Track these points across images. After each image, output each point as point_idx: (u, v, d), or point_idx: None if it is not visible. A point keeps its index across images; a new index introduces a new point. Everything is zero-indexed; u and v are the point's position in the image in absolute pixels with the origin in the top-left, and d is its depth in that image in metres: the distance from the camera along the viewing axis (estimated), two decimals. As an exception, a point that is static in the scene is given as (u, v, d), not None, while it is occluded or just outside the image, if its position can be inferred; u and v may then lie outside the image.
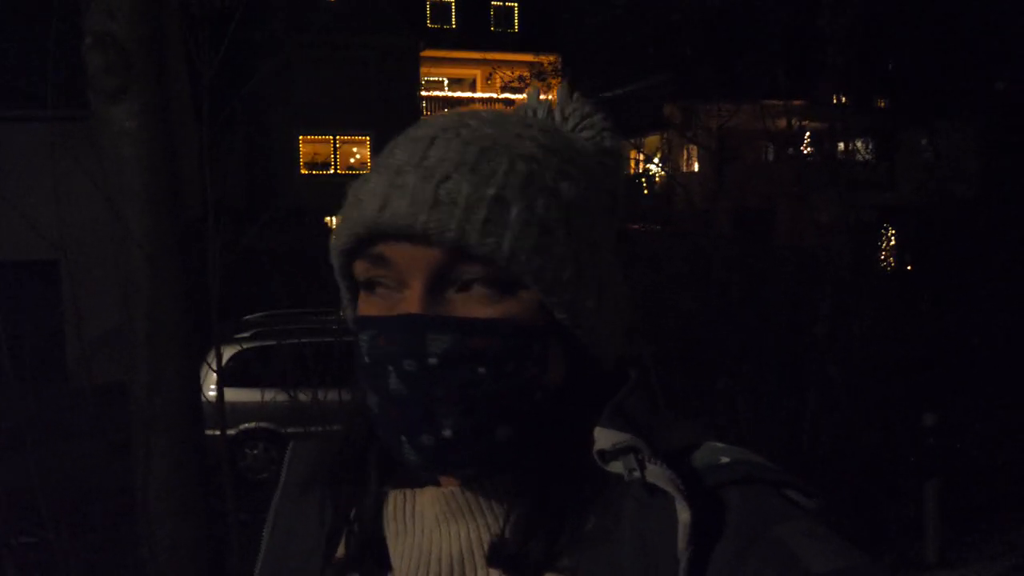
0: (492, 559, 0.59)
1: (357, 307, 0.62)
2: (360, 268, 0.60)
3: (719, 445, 0.60)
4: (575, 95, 0.70)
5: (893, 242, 10.64)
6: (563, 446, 0.60)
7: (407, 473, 0.64)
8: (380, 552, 0.64)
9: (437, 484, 0.63)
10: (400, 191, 0.56)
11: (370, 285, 0.60)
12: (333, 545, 0.68)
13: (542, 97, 0.73)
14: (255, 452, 7.13)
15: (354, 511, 0.66)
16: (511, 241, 0.55)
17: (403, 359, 0.56)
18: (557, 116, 0.69)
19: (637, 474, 0.55)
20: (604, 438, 0.57)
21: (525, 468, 0.59)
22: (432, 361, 0.55)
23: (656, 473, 0.54)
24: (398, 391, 0.56)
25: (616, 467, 0.56)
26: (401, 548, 0.62)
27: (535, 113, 0.70)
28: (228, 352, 5.95)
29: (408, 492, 0.63)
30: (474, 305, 0.56)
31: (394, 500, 0.63)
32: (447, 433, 0.56)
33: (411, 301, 0.56)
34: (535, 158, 0.58)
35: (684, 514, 0.52)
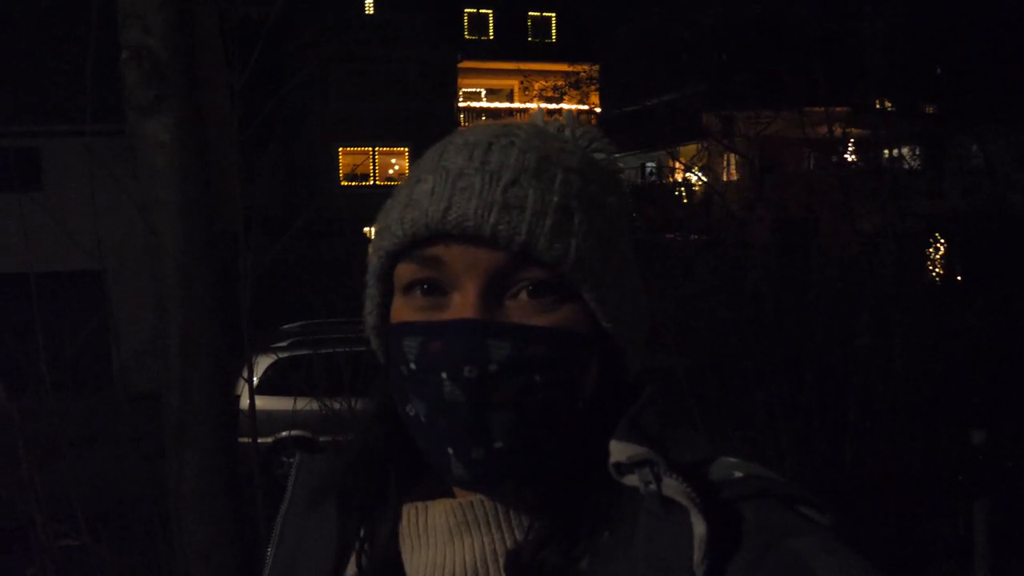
0: (508, 571, 0.58)
1: (389, 312, 0.62)
2: (406, 270, 0.59)
3: (732, 460, 0.59)
4: (579, 117, 0.73)
5: (942, 252, 10.36)
6: (583, 458, 0.59)
7: (423, 486, 0.64)
8: (396, 567, 0.63)
9: (451, 496, 0.62)
10: (465, 193, 0.56)
11: (411, 289, 0.59)
12: (343, 561, 0.66)
13: (578, 107, 0.74)
14: (290, 460, 7.22)
15: (367, 526, 0.65)
16: (576, 248, 0.56)
17: (463, 365, 0.55)
18: (568, 135, 0.68)
19: (653, 487, 0.55)
20: (620, 451, 0.57)
21: (544, 480, 0.59)
22: (493, 368, 0.55)
23: (672, 486, 0.54)
24: (453, 399, 0.56)
25: (632, 480, 0.56)
26: (416, 562, 0.62)
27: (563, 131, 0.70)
28: (265, 361, 6.06)
29: (420, 505, 0.62)
30: (528, 312, 0.57)
31: (407, 514, 0.63)
32: (499, 444, 0.56)
33: (464, 306, 0.56)
34: (583, 172, 0.60)
35: (700, 527, 0.52)
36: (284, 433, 6.96)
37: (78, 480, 2.66)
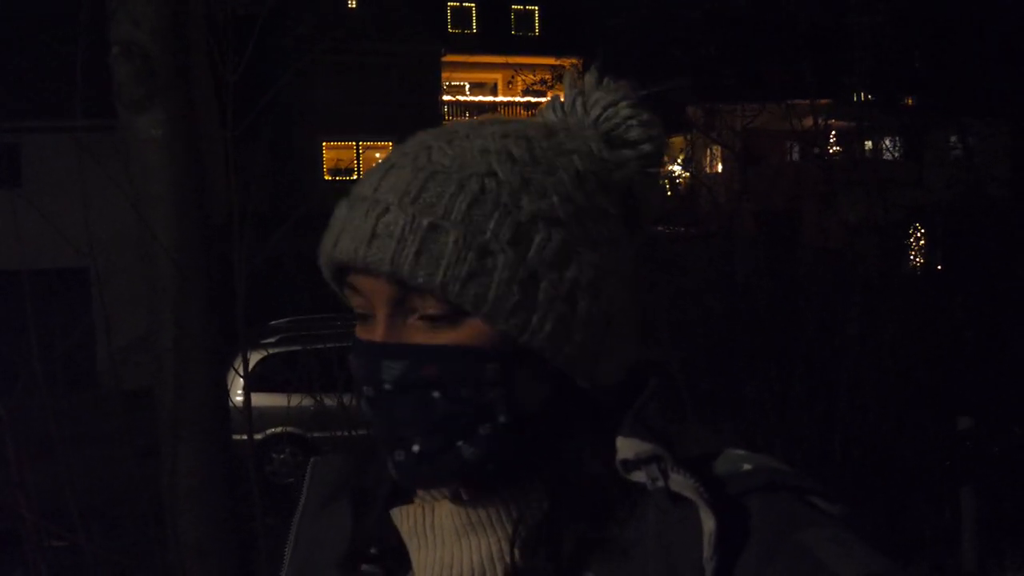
0: (512, 571, 0.58)
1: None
2: (347, 295, 0.62)
3: (740, 452, 0.59)
4: (604, 82, 0.67)
5: (923, 242, 10.46)
6: (562, 461, 0.59)
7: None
8: (402, 558, 0.64)
9: (458, 496, 0.62)
10: (351, 225, 0.58)
11: (355, 310, 0.62)
12: (357, 556, 0.67)
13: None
14: (281, 457, 7.19)
15: (381, 521, 0.66)
16: (444, 271, 0.54)
17: (363, 384, 0.59)
18: (579, 107, 0.66)
19: (661, 483, 0.55)
20: (627, 447, 0.57)
21: (530, 484, 0.59)
22: (387, 387, 0.57)
23: (680, 482, 0.54)
24: (367, 412, 0.59)
25: (639, 476, 0.56)
26: (423, 560, 0.62)
27: (562, 108, 0.67)
28: (255, 358, 6.01)
29: (427, 505, 0.63)
30: (430, 332, 0.57)
31: (414, 513, 0.63)
32: (415, 448, 0.57)
33: (375, 329, 0.59)
34: (493, 174, 0.57)
35: (709, 522, 0.52)
36: (273, 430, 6.92)
37: (69, 478, 2.63)
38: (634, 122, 0.64)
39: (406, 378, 0.57)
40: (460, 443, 0.57)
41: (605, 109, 0.65)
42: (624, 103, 0.65)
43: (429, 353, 0.57)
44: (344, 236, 0.58)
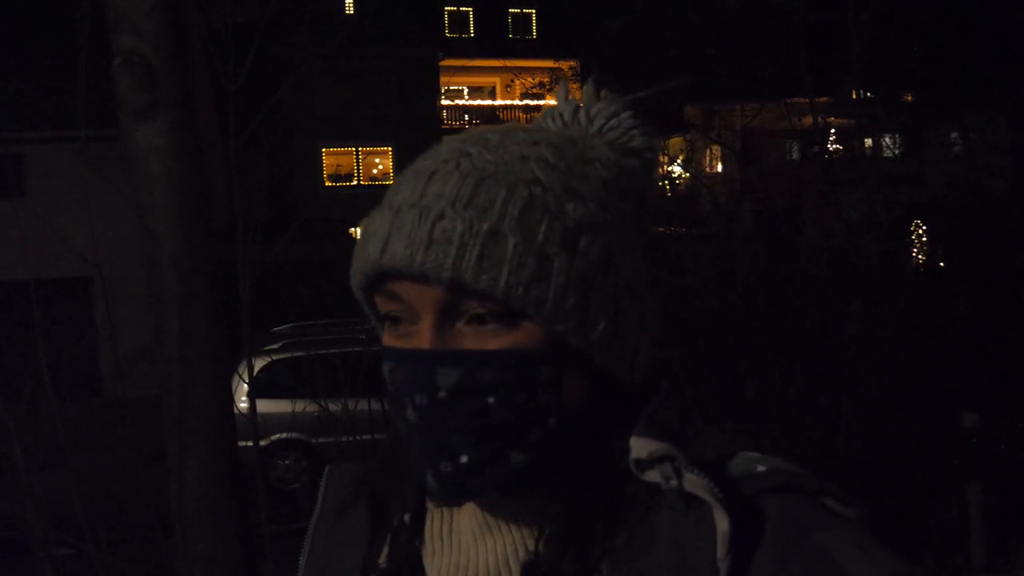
0: (527, 573, 0.58)
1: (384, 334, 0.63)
2: (379, 302, 0.61)
3: (754, 454, 0.59)
4: (603, 93, 0.68)
5: (924, 239, 10.45)
6: (593, 460, 0.59)
7: None
8: (416, 567, 0.64)
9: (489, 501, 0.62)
10: (399, 232, 0.57)
11: (389, 317, 0.61)
12: (372, 561, 0.67)
13: (552, 103, 0.71)
14: (286, 463, 7.19)
15: (397, 527, 0.66)
16: (507, 276, 0.55)
17: (415, 393, 0.57)
18: (582, 118, 0.67)
19: (674, 483, 0.54)
20: (640, 447, 0.57)
21: (557, 483, 0.59)
22: (442, 395, 0.56)
23: (693, 481, 0.54)
24: (415, 423, 0.57)
25: (652, 476, 0.56)
26: (438, 565, 0.62)
27: (562, 117, 0.68)
28: (258, 364, 6.00)
29: (444, 509, 0.63)
30: (483, 337, 0.57)
31: (431, 518, 0.64)
32: (464, 459, 0.56)
33: (421, 336, 0.57)
34: (538, 181, 0.58)
35: (723, 522, 0.52)
36: (278, 436, 6.93)
37: (77, 486, 2.64)
38: (636, 132, 0.66)
39: (462, 385, 0.56)
40: (510, 450, 0.57)
41: (608, 120, 0.66)
42: (626, 114, 0.66)
43: (485, 358, 0.56)
44: (394, 243, 0.56)
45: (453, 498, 0.60)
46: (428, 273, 0.55)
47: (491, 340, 0.56)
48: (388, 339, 0.61)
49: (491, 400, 0.56)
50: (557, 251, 0.56)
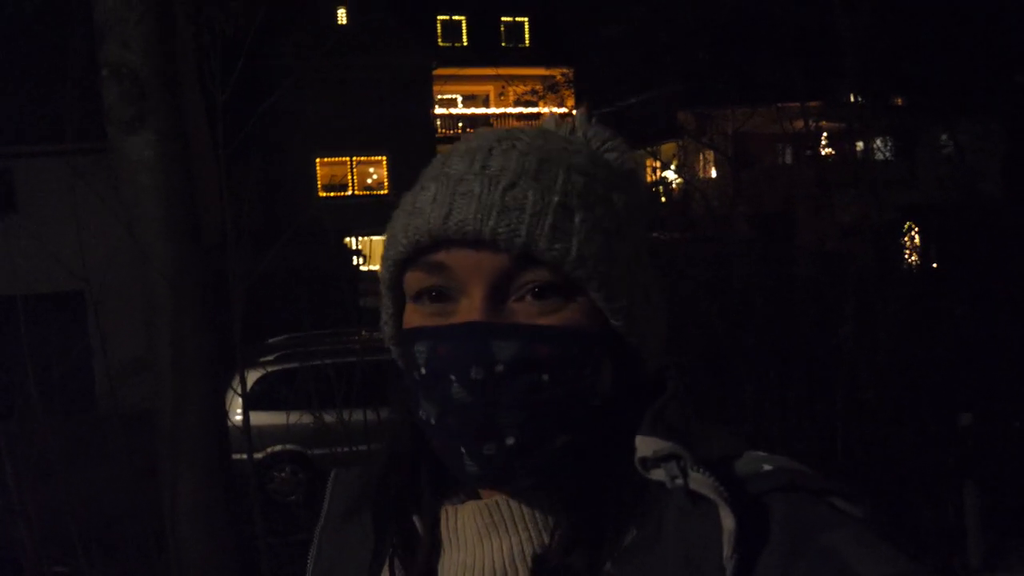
0: (535, 571, 0.58)
1: (402, 320, 0.62)
2: (413, 278, 0.60)
3: (761, 454, 0.59)
4: (593, 119, 0.71)
5: (917, 241, 10.49)
6: (606, 455, 0.59)
7: (451, 490, 0.65)
8: (430, 569, 0.63)
9: (478, 497, 0.62)
10: (465, 198, 0.56)
11: (420, 296, 0.60)
12: (379, 567, 0.66)
13: (556, 111, 0.73)
14: (282, 475, 7.15)
15: (403, 532, 0.65)
16: (578, 247, 0.56)
17: (469, 367, 0.55)
18: (579, 134, 0.69)
19: (680, 481, 0.54)
20: (646, 446, 0.57)
21: (568, 479, 0.59)
22: (499, 368, 0.55)
23: (699, 480, 0.54)
24: (461, 400, 0.56)
25: (658, 475, 0.56)
26: (446, 564, 0.62)
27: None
28: (253, 376, 6.00)
29: (451, 509, 0.63)
30: (534, 313, 0.57)
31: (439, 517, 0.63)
32: (510, 441, 0.56)
33: (470, 309, 0.57)
34: (587, 170, 0.60)
35: (729, 521, 0.51)
36: (273, 448, 6.89)
37: (69, 502, 2.62)
38: (626, 156, 0.68)
39: (521, 358, 0.55)
40: (556, 431, 0.57)
41: (604, 143, 0.68)
42: (619, 139, 0.69)
43: (542, 332, 0.56)
44: (461, 208, 0.56)
45: (491, 483, 0.59)
46: (499, 239, 0.55)
47: (542, 316, 0.57)
48: (419, 320, 0.60)
49: (545, 377, 0.56)
50: (614, 232, 0.59)
